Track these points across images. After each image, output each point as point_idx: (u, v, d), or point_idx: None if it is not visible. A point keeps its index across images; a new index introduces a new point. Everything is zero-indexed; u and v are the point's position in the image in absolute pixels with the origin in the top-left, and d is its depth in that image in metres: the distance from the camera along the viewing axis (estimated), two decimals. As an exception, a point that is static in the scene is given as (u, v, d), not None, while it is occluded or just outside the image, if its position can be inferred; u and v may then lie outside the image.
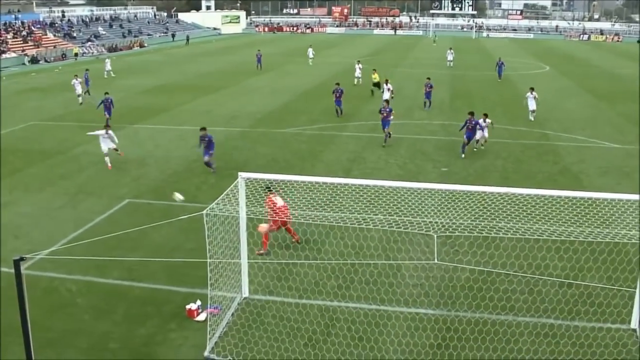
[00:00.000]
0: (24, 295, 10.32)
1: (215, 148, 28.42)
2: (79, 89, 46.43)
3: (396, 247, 19.01)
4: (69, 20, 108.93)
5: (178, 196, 18.96)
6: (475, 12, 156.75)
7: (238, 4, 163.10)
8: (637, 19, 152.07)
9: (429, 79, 45.87)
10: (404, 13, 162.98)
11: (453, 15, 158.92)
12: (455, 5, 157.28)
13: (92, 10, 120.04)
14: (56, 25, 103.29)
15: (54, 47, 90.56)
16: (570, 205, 19.98)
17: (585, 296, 16.45)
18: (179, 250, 19.72)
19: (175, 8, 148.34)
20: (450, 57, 76.01)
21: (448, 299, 16.60)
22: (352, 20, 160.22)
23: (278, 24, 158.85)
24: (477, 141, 32.36)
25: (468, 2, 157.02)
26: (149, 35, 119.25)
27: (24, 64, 79.34)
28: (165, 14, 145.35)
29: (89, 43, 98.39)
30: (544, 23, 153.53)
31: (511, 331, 14.82)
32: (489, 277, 17.45)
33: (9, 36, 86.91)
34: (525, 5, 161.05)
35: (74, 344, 14.65)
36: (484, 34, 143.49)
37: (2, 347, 14.29)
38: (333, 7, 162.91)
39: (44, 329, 14.80)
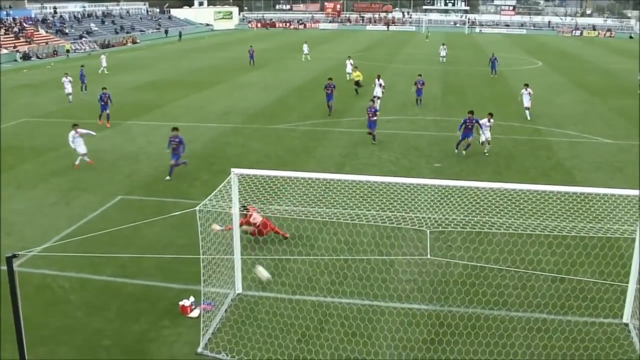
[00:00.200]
0: (17, 293, 10.30)
1: (208, 144, 28.40)
2: (68, 88, 45.85)
3: (389, 242, 19.03)
4: (61, 16, 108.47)
5: (262, 272, 16.46)
6: (467, 8, 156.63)
7: (230, 0, 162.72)
8: (629, 15, 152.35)
9: (420, 75, 45.77)
10: (397, 9, 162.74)
11: (446, 11, 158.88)
12: (448, 1, 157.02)
13: (84, 7, 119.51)
14: (48, 21, 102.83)
15: (46, 43, 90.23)
16: (563, 201, 20.09)
17: (577, 291, 16.50)
18: (171, 247, 19.70)
19: (167, 4, 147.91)
20: (443, 53, 76.09)
21: (441, 294, 16.64)
22: (345, 16, 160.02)
23: (271, 19, 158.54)
24: (482, 143, 31.29)
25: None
26: (141, 31, 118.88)
27: (15, 60, 78.99)
28: (158, 10, 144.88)
29: (82, 39, 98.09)
30: (537, 19, 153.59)
31: (504, 326, 14.86)
32: (481, 272, 17.49)
33: (0, 32, 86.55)
34: (518, 0, 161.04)
35: (67, 341, 14.63)
36: (477, 30, 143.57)
37: (-6, 344, 14.27)
38: (326, 3, 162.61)
39: (37, 326, 14.78)
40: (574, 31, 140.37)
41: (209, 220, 15.27)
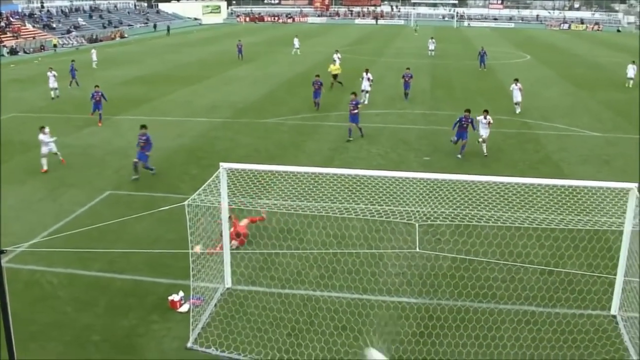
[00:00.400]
0: (5, 289, 10.25)
1: (197, 138, 28.32)
2: (52, 82, 45.37)
3: (378, 236, 19.04)
4: (48, 11, 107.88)
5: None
6: (456, 2, 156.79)
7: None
8: (617, 8, 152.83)
9: (408, 69, 45.69)
10: (386, 2, 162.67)
11: (434, 5, 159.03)
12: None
13: (71, 1, 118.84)
14: (35, 16, 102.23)
15: (33, 38, 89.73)
16: (551, 194, 20.16)
17: (565, 283, 16.59)
18: (160, 242, 19.67)
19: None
20: (431, 47, 76.18)
21: (430, 287, 16.67)
22: (334, 10, 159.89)
23: (259, 14, 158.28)
24: (481, 142, 29.96)
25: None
26: (129, 26, 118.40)
27: (2, 55, 78.48)
28: (146, 4, 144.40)
29: (69, 34, 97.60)
30: (525, 12, 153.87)
31: (493, 319, 14.92)
32: (470, 265, 17.54)
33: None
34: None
35: (56, 337, 14.60)
36: (465, 24, 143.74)
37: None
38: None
39: (25, 323, 14.72)
40: (562, 24, 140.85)
41: (197, 215, 15.25)
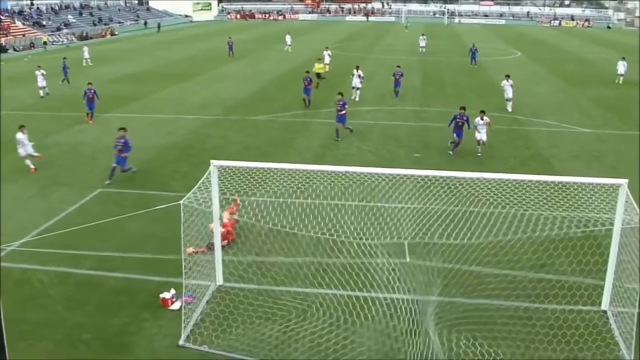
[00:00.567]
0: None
1: (188, 136, 28.25)
2: (40, 81, 45.02)
3: (369, 233, 19.01)
4: (37, 8, 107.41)
5: None
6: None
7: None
8: (607, 5, 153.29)
9: (399, 67, 45.68)
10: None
11: (425, 2, 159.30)
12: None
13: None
14: (25, 13, 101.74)
15: (23, 35, 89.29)
16: (543, 190, 20.20)
17: (557, 279, 16.62)
18: (152, 239, 19.63)
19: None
20: (422, 43, 76.27)
21: (422, 284, 16.65)
22: (325, 7, 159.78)
23: (250, 11, 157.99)
24: (478, 143, 29.47)
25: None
26: (119, 23, 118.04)
27: (-8, 53, 78.26)
28: (136, 1, 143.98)
29: (60, 32, 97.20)
30: (516, 9, 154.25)
31: (486, 315, 14.94)
32: (462, 261, 17.54)
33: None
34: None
35: (47, 336, 14.56)
36: (456, 20, 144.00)
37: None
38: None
39: (16, 321, 14.65)
40: (552, 21, 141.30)
41: (192, 215, 15.23)
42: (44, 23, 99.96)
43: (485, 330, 14.38)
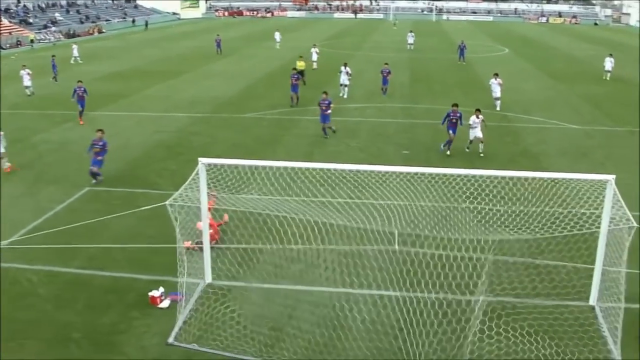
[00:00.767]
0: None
1: (176, 134, 28.18)
2: (26, 81, 44.68)
3: (358, 230, 19.03)
4: (24, 5, 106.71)
5: None
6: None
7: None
8: (594, 2, 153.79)
9: (386, 64, 45.58)
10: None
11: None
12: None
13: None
14: (11, 11, 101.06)
15: (10, 33, 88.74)
16: (532, 186, 20.24)
17: (545, 275, 16.69)
18: (140, 237, 19.58)
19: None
20: (410, 40, 76.38)
21: (411, 280, 16.66)
22: (313, 4, 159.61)
23: (238, 8, 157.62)
24: (471, 142, 29.30)
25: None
26: (107, 21, 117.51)
27: (-22, 51, 77.80)
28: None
29: (47, 29, 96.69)
30: (503, 6, 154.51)
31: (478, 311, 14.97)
32: (451, 258, 17.55)
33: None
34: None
35: (36, 335, 14.48)
36: (444, 17, 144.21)
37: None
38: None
39: (4, 321, 14.64)
40: (540, 18, 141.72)
41: (181, 213, 15.20)
42: (31, 21, 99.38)
43: (473, 325, 14.40)
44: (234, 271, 17.19)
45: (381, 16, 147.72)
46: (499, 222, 17.90)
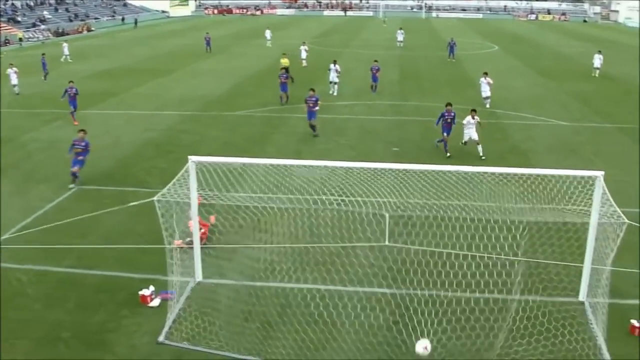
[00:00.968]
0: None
1: (165, 132, 28.11)
2: (14, 79, 44.46)
3: (348, 227, 19.06)
4: (12, 4, 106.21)
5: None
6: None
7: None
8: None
9: (376, 61, 45.56)
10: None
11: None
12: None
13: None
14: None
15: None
16: (520, 183, 20.32)
17: (535, 271, 16.74)
18: (130, 236, 19.55)
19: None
20: (400, 38, 76.39)
21: (402, 277, 16.68)
22: (302, 2, 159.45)
23: (227, 6, 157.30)
24: (465, 143, 28.98)
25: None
26: (96, 19, 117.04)
27: (-34, 50, 77.35)
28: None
29: (35, 28, 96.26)
30: (493, 3, 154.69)
31: (466, 308, 15.00)
32: (441, 254, 17.59)
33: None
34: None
35: (26, 335, 14.43)
36: (434, 14, 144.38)
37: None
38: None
39: (-6, 320, 14.60)
40: (529, 15, 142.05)
41: (169, 210, 15.18)
42: (19, 19, 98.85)
43: (462, 321, 14.45)
44: (224, 269, 17.20)
45: (371, 14, 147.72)
46: (488, 218, 17.95)
